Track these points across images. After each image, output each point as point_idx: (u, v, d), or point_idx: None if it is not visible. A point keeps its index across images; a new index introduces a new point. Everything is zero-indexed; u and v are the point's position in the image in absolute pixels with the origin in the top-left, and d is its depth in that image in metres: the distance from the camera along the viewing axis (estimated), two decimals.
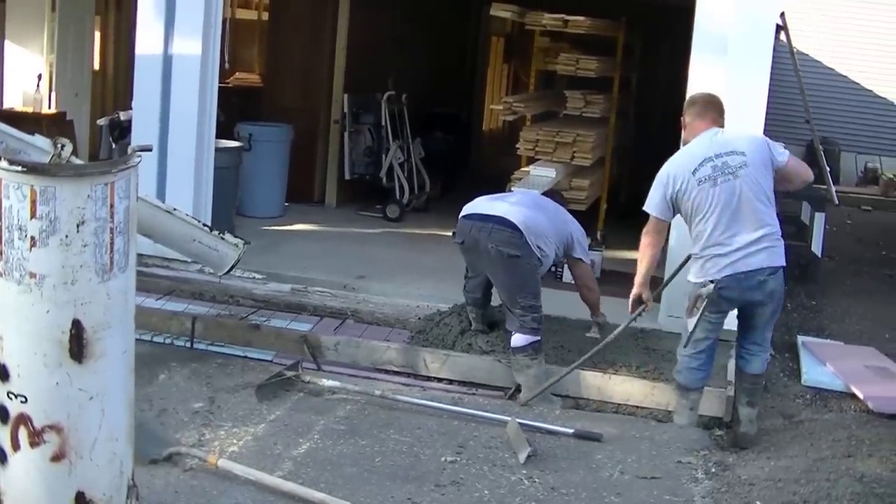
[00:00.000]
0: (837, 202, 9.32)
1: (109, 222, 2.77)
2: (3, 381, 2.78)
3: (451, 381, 5.49)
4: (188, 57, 6.58)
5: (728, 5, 5.91)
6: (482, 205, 5.58)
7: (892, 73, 15.12)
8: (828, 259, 9.06)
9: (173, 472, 3.96)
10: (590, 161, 7.82)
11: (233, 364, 5.38)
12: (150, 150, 3.34)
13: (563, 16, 7.64)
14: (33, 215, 2.67)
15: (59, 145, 3.06)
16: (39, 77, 9.51)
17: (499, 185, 6.94)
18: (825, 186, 9.01)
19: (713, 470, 4.47)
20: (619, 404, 5.32)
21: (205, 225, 5.76)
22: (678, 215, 4.85)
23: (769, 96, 5.95)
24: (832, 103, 14.75)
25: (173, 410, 4.65)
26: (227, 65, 10.45)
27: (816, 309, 7.56)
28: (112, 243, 2.79)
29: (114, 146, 7.33)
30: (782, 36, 8.46)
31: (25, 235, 2.68)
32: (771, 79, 5.96)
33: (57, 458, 2.82)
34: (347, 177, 9.37)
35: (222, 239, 5.68)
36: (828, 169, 9.16)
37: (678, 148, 5.12)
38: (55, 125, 8.80)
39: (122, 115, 7.31)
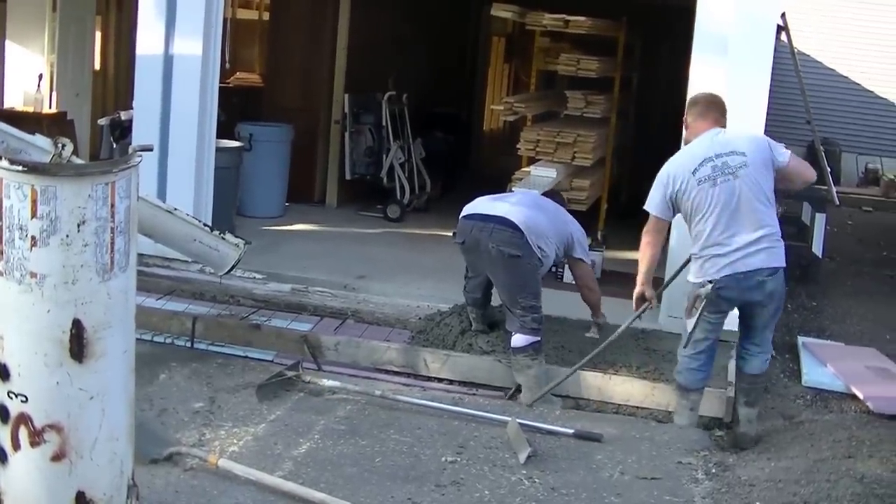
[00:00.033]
0: (838, 203, 9.32)
1: (110, 222, 2.77)
2: (3, 381, 2.78)
3: (451, 382, 5.50)
4: (189, 57, 6.58)
5: (729, 6, 5.91)
6: (483, 205, 5.58)
7: (893, 73, 15.11)
8: (828, 260, 9.06)
9: (174, 472, 3.96)
10: (590, 161, 7.82)
11: (233, 364, 5.38)
12: (151, 149, 3.34)
13: (563, 16, 7.64)
14: (34, 215, 2.67)
15: (60, 145, 3.07)
16: (40, 77, 9.51)
17: (499, 185, 6.94)
18: (826, 187, 9.01)
19: (713, 470, 4.47)
20: (619, 405, 5.32)
21: (205, 225, 5.76)
22: (678, 215, 4.86)
23: (770, 97, 5.95)
24: (833, 104, 14.75)
25: (174, 410, 4.65)
26: (227, 65, 10.46)
27: (817, 310, 7.56)
28: (113, 243, 2.79)
29: (114, 146, 7.33)
30: (783, 36, 8.46)
31: (26, 235, 2.68)
32: (772, 79, 5.96)
33: (57, 457, 2.82)
34: (348, 177, 9.37)
35: (223, 239, 5.68)
36: (829, 170, 9.16)
37: (678, 148, 5.13)
38: (56, 125, 8.80)
39: (123, 115, 7.32)
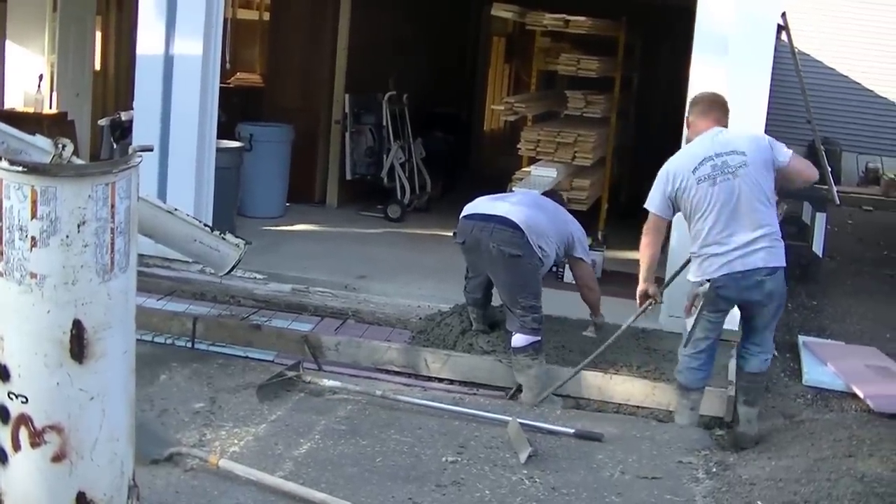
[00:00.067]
0: (839, 202, 9.30)
1: (110, 222, 2.77)
2: (3, 382, 2.78)
3: (452, 382, 5.50)
4: (189, 57, 6.58)
5: (729, 5, 5.91)
6: (483, 205, 5.58)
7: (894, 73, 15.11)
8: (829, 259, 9.07)
9: (174, 473, 3.96)
10: (591, 161, 7.82)
11: (234, 364, 5.38)
12: (151, 150, 3.34)
13: (563, 16, 7.64)
14: (34, 215, 2.67)
15: (60, 145, 3.07)
16: (41, 77, 9.52)
17: (500, 185, 6.94)
18: (826, 186, 8.99)
19: (714, 470, 4.47)
20: (619, 404, 5.32)
21: (206, 225, 5.76)
22: (679, 214, 4.87)
23: (770, 96, 5.95)
24: (833, 103, 14.74)
25: (174, 411, 4.65)
26: (228, 65, 10.46)
27: (817, 309, 7.56)
28: (113, 243, 2.79)
29: (115, 146, 7.33)
30: (783, 36, 8.45)
31: (26, 236, 2.68)
32: (772, 79, 5.96)
33: (58, 458, 2.82)
34: (348, 177, 9.37)
35: (223, 239, 5.68)
36: (829, 169, 9.15)
37: (679, 148, 5.13)
38: (56, 125, 8.81)
39: (124, 116, 7.32)
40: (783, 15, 7.98)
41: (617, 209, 8.97)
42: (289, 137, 8.90)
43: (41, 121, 8.78)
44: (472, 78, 13.48)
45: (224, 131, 7.53)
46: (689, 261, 5.00)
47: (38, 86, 9.49)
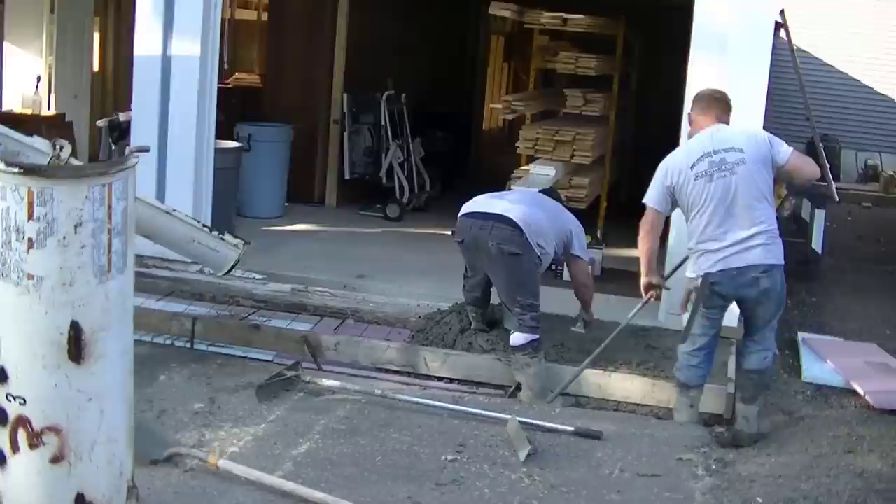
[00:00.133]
0: (838, 199, 9.28)
1: (107, 223, 2.78)
2: (1, 383, 2.78)
3: (451, 380, 5.50)
4: (187, 58, 6.57)
5: (727, 3, 5.90)
6: (482, 203, 5.58)
7: (892, 69, 15.10)
8: (828, 256, 9.05)
9: (173, 473, 3.96)
10: (589, 159, 7.82)
11: (233, 364, 5.39)
12: (148, 150, 3.34)
13: (561, 14, 7.64)
14: (31, 217, 2.67)
15: (58, 147, 3.06)
16: (38, 79, 9.51)
17: (499, 183, 6.94)
18: (825, 183, 8.98)
19: (714, 467, 4.47)
20: (619, 402, 5.32)
21: (204, 225, 5.76)
22: (677, 211, 4.88)
23: (768, 94, 5.94)
24: (832, 100, 14.73)
25: (173, 411, 4.65)
26: (226, 65, 10.46)
27: (817, 306, 7.56)
28: (110, 244, 2.79)
29: (113, 147, 7.33)
30: (782, 33, 8.45)
31: (23, 237, 2.68)
32: (770, 76, 5.96)
33: (56, 459, 2.82)
34: (347, 176, 9.37)
35: (222, 239, 5.68)
36: (828, 166, 9.14)
37: (678, 145, 5.13)
38: (55, 127, 8.80)
39: (122, 117, 7.31)
40: (781, 12, 7.98)
41: (616, 207, 8.96)
42: (287, 137, 8.90)
43: (39, 122, 8.79)
44: (471, 77, 13.48)
45: (223, 131, 7.53)
46: (687, 257, 5.01)
47: (36, 87, 9.49)
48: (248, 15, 12.86)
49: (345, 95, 9.25)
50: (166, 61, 6.60)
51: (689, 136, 5.01)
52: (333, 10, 9.22)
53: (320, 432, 4.52)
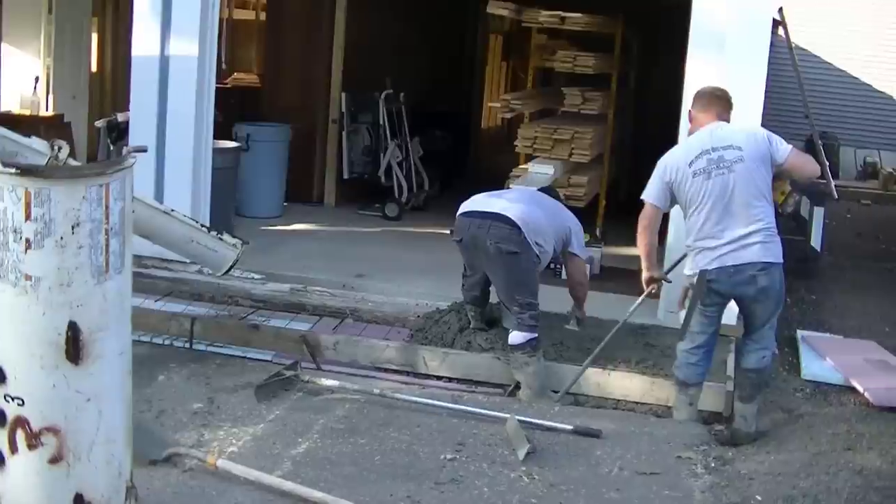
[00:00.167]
0: (837, 197, 9.30)
1: (104, 224, 2.78)
2: (0, 384, 2.78)
3: (450, 379, 5.49)
4: (185, 58, 6.57)
5: (725, 1, 5.90)
6: (480, 202, 5.58)
7: (891, 67, 15.10)
8: (827, 254, 9.05)
9: (172, 473, 3.96)
10: (588, 158, 7.82)
11: (232, 364, 5.39)
12: (145, 150, 3.34)
13: (559, 13, 7.64)
14: (28, 217, 2.67)
15: (56, 147, 3.06)
16: (37, 79, 9.50)
17: (498, 182, 6.94)
18: (824, 181, 8.99)
19: (713, 465, 4.47)
20: (618, 400, 5.32)
21: (203, 226, 5.76)
22: (676, 209, 4.88)
23: (767, 91, 5.94)
24: (831, 98, 14.74)
25: (172, 411, 4.65)
26: (224, 65, 10.45)
27: (816, 303, 7.56)
28: (107, 245, 2.79)
29: (111, 148, 7.33)
30: (780, 31, 8.45)
31: (20, 238, 2.69)
32: (769, 74, 5.96)
33: (55, 460, 2.82)
34: (345, 176, 9.37)
35: (220, 239, 5.68)
36: (827, 163, 9.15)
37: (676, 144, 5.13)
38: (53, 128, 8.79)
39: (120, 117, 7.31)
40: (780, 10, 7.98)
41: (615, 206, 8.96)
42: (286, 137, 8.90)
43: (37, 123, 8.77)
44: (470, 76, 13.47)
45: (221, 132, 7.53)
46: (685, 256, 5.02)
47: (35, 88, 9.47)
48: (247, 15, 12.85)
49: (343, 95, 9.25)
50: (164, 61, 6.60)
51: (690, 134, 5.02)
52: (331, 10, 9.22)
53: (319, 432, 4.52)
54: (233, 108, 9.42)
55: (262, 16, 11.88)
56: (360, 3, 9.30)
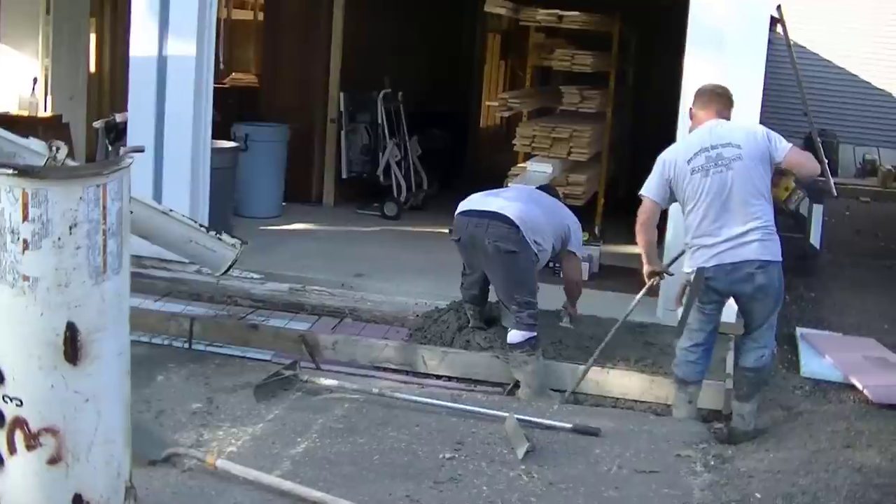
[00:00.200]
0: (836, 194, 9.29)
1: (102, 224, 2.77)
2: None
3: (449, 378, 5.49)
4: (183, 58, 6.56)
5: None
6: (478, 201, 5.58)
7: (890, 64, 15.10)
8: (826, 251, 9.06)
9: (172, 473, 3.96)
10: (586, 156, 7.82)
11: (231, 364, 5.39)
12: (142, 150, 3.35)
13: (557, 11, 7.64)
14: (25, 218, 2.67)
15: (55, 148, 3.06)
16: (35, 80, 9.49)
17: (496, 181, 6.93)
18: (824, 178, 8.98)
19: (712, 463, 4.47)
20: (617, 398, 5.32)
21: (201, 226, 5.76)
22: (675, 206, 4.88)
23: (765, 89, 5.94)
24: (830, 95, 14.72)
25: (171, 411, 4.65)
26: (222, 65, 10.44)
27: (815, 301, 7.56)
28: (105, 245, 2.79)
29: (110, 149, 7.32)
30: (779, 28, 8.45)
31: (18, 238, 2.68)
32: (767, 72, 5.95)
33: (54, 461, 2.82)
34: (344, 175, 9.37)
35: (219, 239, 5.68)
36: (826, 161, 9.14)
37: (675, 141, 5.13)
38: (51, 128, 8.79)
39: (118, 118, 7.30)
40: (778, 7, 7.97)
41: (614, 204, 8.95)
42: (284, 137, 8.89)
43: (36, 124, 8.76)
44: (468, 74, 13.46)
45: (220, 131, 7.52)
46: (682, 253, 5.02)
47: (33, 89, 9.46)
48: (244, 15, 12.83)
49: (341, 94, 9.24)
50: (162, 62, 6.60)
51: (690, 131, 5.02)
52: (329, 9, 9.21)
53: (318, 431, 4.52)
54: (231, 108, 9.41)
55: (260, 16, 11.86)
56: (358, 2, 9.29)
